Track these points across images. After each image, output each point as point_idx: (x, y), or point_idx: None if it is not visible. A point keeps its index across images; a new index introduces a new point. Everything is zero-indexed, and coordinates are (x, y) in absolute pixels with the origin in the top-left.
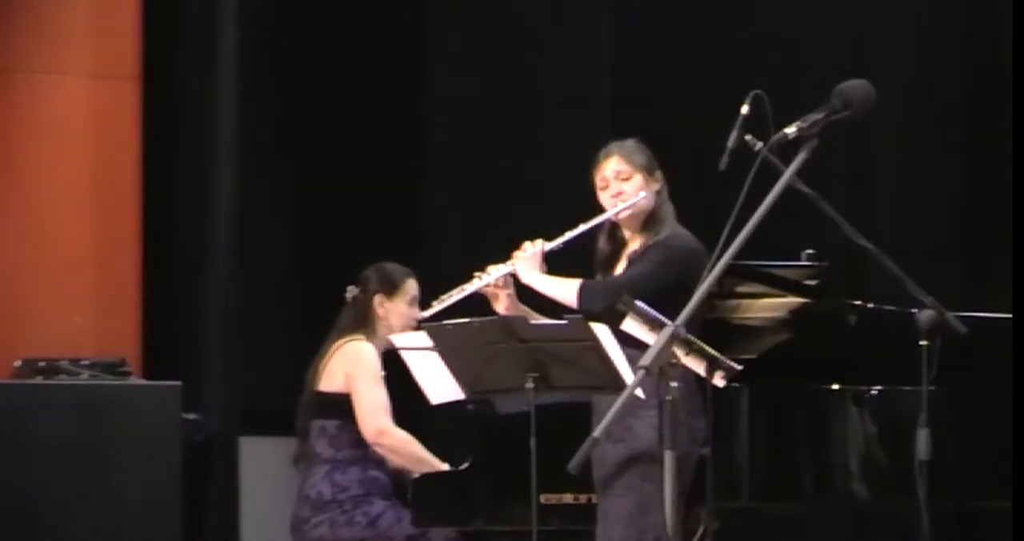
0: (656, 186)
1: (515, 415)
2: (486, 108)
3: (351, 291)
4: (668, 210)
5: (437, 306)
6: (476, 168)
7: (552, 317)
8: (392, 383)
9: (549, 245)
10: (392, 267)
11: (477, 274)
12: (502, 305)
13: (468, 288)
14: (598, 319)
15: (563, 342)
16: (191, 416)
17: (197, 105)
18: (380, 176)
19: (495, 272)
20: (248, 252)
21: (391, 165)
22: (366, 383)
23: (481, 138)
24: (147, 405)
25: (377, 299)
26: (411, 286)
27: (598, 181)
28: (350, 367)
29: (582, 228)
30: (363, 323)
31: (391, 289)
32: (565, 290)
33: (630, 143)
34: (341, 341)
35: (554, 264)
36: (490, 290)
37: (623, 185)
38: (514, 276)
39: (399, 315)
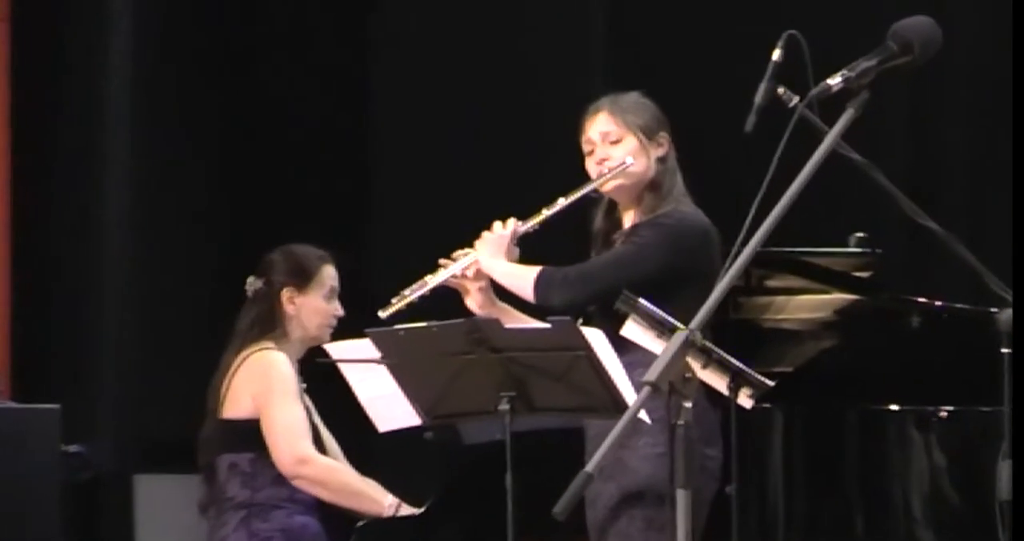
0: (659, 152)
1: (486, 445)
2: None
3: (252, 283)
4: (673, 182)
5: (397, 303)
6: (430, 136)
7: (542, 318)
8: (326, 405)
9: (523, 226)
10: (303, 251)
11: (443, 262)
12: (474, 301)
13: (433, 280)
14: (583, 324)
15: (547, 352)
16: (74, 448)
17: (82, 62)
18: (313, 157)
19: (463, 259)
20: (146, 252)
21: (326, 144)
22: (277, 401)
23: (437, 102)
24: (16, 433)
25: (286, 293)
26: (328, 274)
27: (583, 144)
28: (257, 384)
29: (562, 204)
30: (269, 325)
31: (303, 279)
32: (522, 279)
33: (628, 98)
34: (245, 352)
35: (535, 251)
36: (458, 282)
37: (610, 150)
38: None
39: (315, 312)
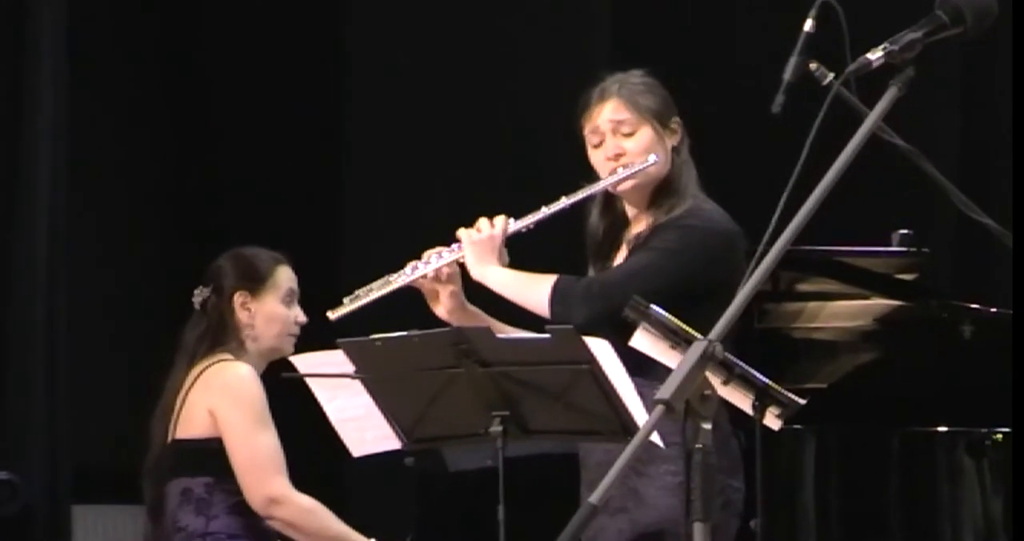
0: (672, 141)
1: (475, 472)
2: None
3: (200, 293)
4: (689, 176)
5: (349, 305)
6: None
7: (522, 326)
8: (291, 426)
9: (515, 224)
10: (253, 251)
11: (413, 263)
12: (443, 307)
13: (397, 280)
14: (585, 334)
15: (545, 365)
16: (3, 476)
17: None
18: (281, 158)
19: (436, 259)
20: (80, 259)
21: (292, 144)
22: (245, 425)
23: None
24: None
25: (238, 298)
26: (284, 275)
27: (588, 134)
28: (217, 400)
29: (564, 203)
30: (222, 336)
31: (255, 281)
32: (532, 290)
33: (636, 78)
34: (198, 367)
35: (519, 254)
36: (427, 285)
37: (625, 142)
38: (461, 266)
39: (271, 319)
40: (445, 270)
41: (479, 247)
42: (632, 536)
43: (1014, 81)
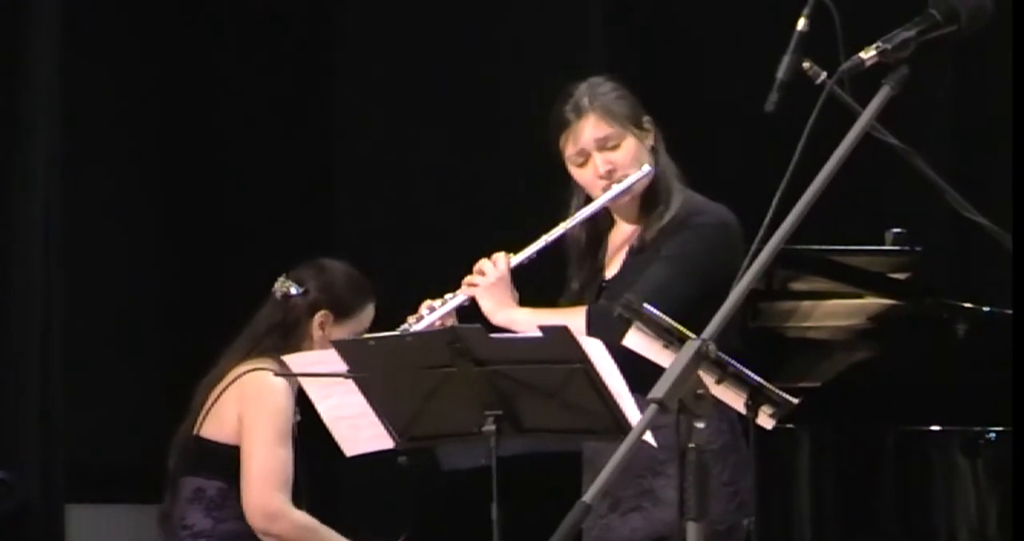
0: (649, 140)
1: (469, 471)
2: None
3: (286, 285)
4: (672, 172)
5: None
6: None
7: None
8: None
9: (516, 258)
10: (357, 279)
11: (411, 318)
12: None
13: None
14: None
15: (539, 364)
16: None
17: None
18: (270, 158)
19: (441, 308)
20: (79, 251)
21: (285, 149)
22: (264, 437)
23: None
24: None
25: (320, 317)
26: (369, 314)
27: (572, 155)
28: (248, 409)
29: (563, 228)
30: (289, 340)
31: (345, 311)
32: (568, 323)
33: (605, 88)
34: (243, 366)
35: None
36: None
37: (613, 156)
38: (468, 306)
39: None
40: (449, 319)
41: (494, 291)
42: (648, 534)
43: (1014, 80)
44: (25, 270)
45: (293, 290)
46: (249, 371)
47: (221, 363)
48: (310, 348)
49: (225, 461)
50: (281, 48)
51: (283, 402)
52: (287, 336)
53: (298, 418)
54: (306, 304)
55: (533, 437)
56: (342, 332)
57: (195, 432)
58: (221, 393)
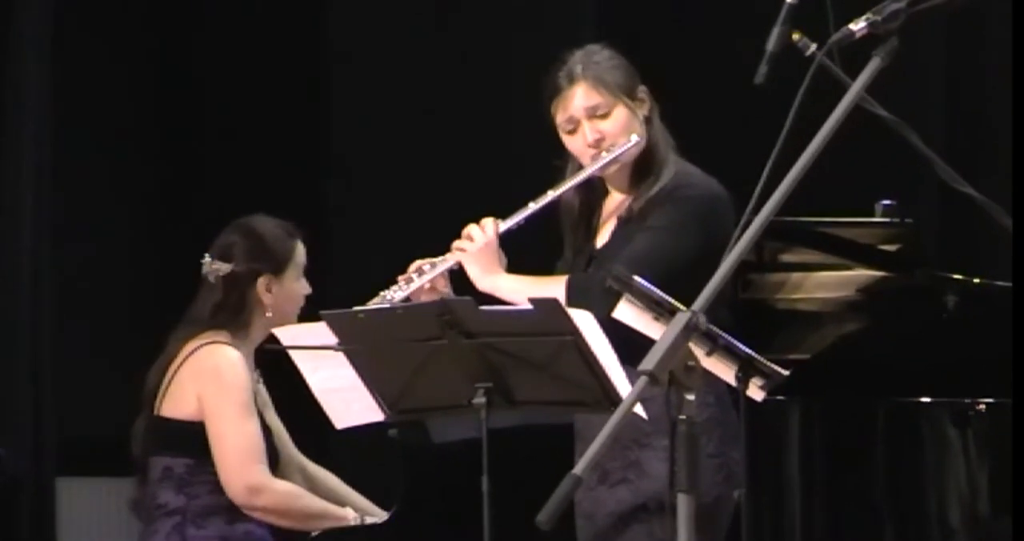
0: (643, 111)
1: (459, 444)
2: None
3: (214, 267)
4: (666, 143)
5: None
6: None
7: None
8: (274, 398)
9: (504, 224)
10: (272, 230)
11: (402, 278)
12: None
13: (395, 296)
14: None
15: (529, 337)
16: None
17: None
18: (259, 149)
19: (429, 271)
20: (70, 227)
21: (279, 136)
22: (230, 415)
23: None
24: None
25: (263, 281)
26: (301, 252)
27: (562, 123)
28: (205, 386)
29: (551, 196)
30: (239, 315)
31: (279, 263)
32: (547, 293)
33: (600, 56)
34: (194, 342)
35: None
36: (423, 298)
37: (602, 125)
38: (457, 270)
39: (290, 297)
40: (440, 281)
41: (480, 257)
42: (633, 506)
43: (1014, 80)
44: (15, 249)
45: (224, 269)
46: (202, 345)
47: (169, 347)
48: (263, 313)
49: (189, 437)
50: (278, 40)
51: (241, 374)
52: (237, 311)
53: (259, 380)
54: (243, 276)
55: (523, 409)
56: (287, 282)
57: (155, 413)
58: (176, 370)
